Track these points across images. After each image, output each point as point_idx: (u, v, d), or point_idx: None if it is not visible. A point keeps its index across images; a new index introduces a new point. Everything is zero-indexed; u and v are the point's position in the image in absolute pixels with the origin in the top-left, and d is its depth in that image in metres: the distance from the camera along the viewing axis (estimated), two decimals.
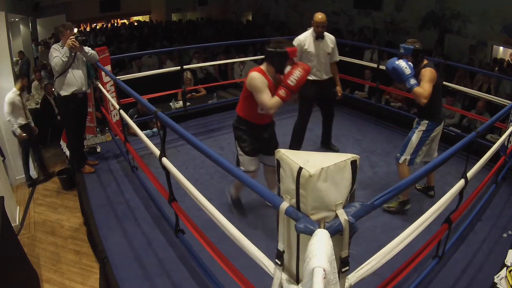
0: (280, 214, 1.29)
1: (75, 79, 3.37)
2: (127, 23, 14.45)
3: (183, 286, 2.32)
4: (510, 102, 3.42)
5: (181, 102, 5.03)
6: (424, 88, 2.62)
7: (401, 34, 8.33)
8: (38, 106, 5.75)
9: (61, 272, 3.04)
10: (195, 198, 1.90)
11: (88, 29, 13.05)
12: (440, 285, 2.31)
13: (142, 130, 3.00)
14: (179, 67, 4.69)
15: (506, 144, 3.27)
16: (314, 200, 1.20)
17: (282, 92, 2.43)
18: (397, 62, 2.69)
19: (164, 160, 2.24)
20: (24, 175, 4.72)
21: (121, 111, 3.28)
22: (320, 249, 1.01)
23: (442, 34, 7.71)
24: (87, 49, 3.43)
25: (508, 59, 6.92)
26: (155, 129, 4.48)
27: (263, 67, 2.54)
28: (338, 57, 3.83)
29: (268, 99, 2.45)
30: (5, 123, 4.43)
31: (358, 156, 1.29)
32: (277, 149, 1.37)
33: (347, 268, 1.28)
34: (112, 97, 3.96)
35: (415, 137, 2.86)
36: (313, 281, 0.94)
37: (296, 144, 3.82)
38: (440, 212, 1.87)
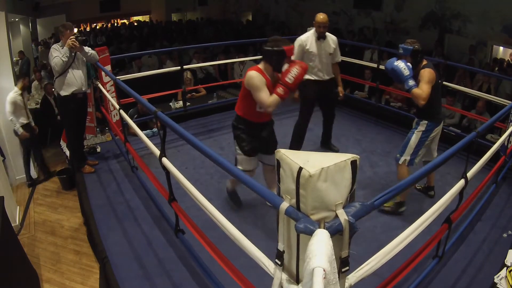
0: (280, 214, 1.29)
1: (75, 79, 3.37)
2: (127, 23, 14.45)
3: (183, 286, 2.32)
4: (510, 102, 3.42)
5: (181, 102, 5.03)
6: (422, 90, 2.61)
7: (401, 34, 8.33)
8: (38, 106, 5.75)
9: (61, 272, 3.04)
10: (195, 198, 1.90)
11: (88, 29, 13.05)
12: (440, 285, 2.31)
13: (142, 130, 3.00)
14: (179, 67, 4.69)
15: (506, 144, 3.27)
16: (314, 200, 1.20)
17: (280, 90, 2.45)
18: (395, 63, 2.68)
19: (164, 160, 2.24)
20: (24, 175, 4.73)
21: (121, 111, 3.28)
22: (320, 249, 1.01)
23: (442, 34, 7.71)
24: (87, 49, 3.43)
25: (508, 59, 6.92)
26: (155, 129, 4.48)
27: (260, 66, 2.56)
28: (340, 58, 3.83)
29: (267, 97, 2.47)
30: (5, 123, 4.44)
31: (358, 156, 1.29)
32: (277, 149, 1.37)
33: (347, 268, 1.28)
34: (112, 97, 3.96)
35: (415, 138, 2.85)
36: (313, 281, 0.94)
37: (296, 144, 3.82)
38: (440, 212, 1.87)
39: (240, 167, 2.67)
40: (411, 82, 2.65)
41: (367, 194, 3.23)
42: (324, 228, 1.12)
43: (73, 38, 3.20)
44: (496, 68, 6.35)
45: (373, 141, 4.41)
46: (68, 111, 3.49)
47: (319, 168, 1.18)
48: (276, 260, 1.36)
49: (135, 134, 3.03)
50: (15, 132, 4.43)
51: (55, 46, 3.30)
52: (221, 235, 1.72)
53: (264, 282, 1.53)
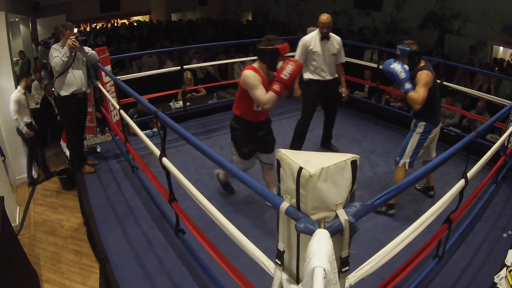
0: (280, 214, 1.29)
1: (75, 79, 3.37)
2: (127, 23, 14.44)
3: (183, 286, 2.32)
4: (510, 102, 3.42)
5: (181, 102, 5.03)
6: (418, 93, 2.60)
7: (401, 34, 8.34)
8: (38, 106, 5.75)
9: (61, 272, 3.05)
10: (195, 198, 1.90)
11: (88, 29, 13.05)
12: (440, 285, 2.31)
13: (142, 130, 3.00)
14: (179, 67, 4.69)
15: (506, 144, 3.27)
16: (314, 200, 1.20)
17: (276, 86, 2.48)
18: (392, 66, 2.67)
19: (164, 160, 2.24)
20: (25, 175, 4.73)
21: (121, 111, 3.28)
22: (320, 249, 1.01)
23: (442, 34, 7.72)
24: (87, 49, 3.43)
25: (508, 59, 6.93)
26: (155, 129, 4.48)
27: (255, 65, 2.60)
28: (344, 59, 3.84)
29: (263, 95, 2.50)
30: (6, 122, 4.44)
31: (358, 156, 1.29)
32: (277, 149, 1.37)
33: (347, 268, 1.28)
34: (112, 97, 3.96)
35: (413, 140, 2.84)
36: (313, 281, 0.94)
37: (297, 143, 3.84)
38: (440, 212, 1.87)
39: None
40: (407, 86, 2.64)
41: (367, 194, 3.23)
42: (324, 228, 1.12)
43: (73, 38, 3.20)
44: (496, 68, 6.36)
45: (373, 141, 4.41)
46: (68, 111, 3.49)
47: (319, 168, 1.18)
48: (276, 260, 1.36)
49: (135, 134, 3.03)
50: (19, 131, 4.44)
51: (55, 46, 3.30)
52: (221, 235, 1.72)
53: (264, 282, 1.53)
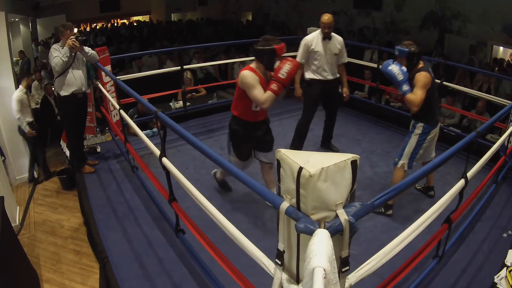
0: (280, 214, 1.29)
1: (75, 79, 3.37)
2: (127, 23, 14.44)
3: (183, 286, 2.32)
4: (510, 102, 3.43)
5: (181, 102, 5.03)
6: (416, 95, 2.60)
7: (401, 34, 8.34)
8: (38, 106, 5.75)
9: (61, 272, 3.04)
10: (195, 198, 1.90)
11: (88, 29, 13.05)
12: (440, 285, 2.31)
13: (142, 130, 3.00)
14: (179, 67, 4.69)
15: (506, 144, 3.27)
16: (314, 200, 1.20)
17: (274, 86, 2.49)
18: (389, 68, 2.66)
19: (164, 160, 2.24)
20: (25, 175, 4.73)
21: (121, 111, 3.28)
22: (320, 249, 1.01)
23: (442, 34, 7.72)
24: (87, 49, 3.43)
25: (508, 59, 6.93)
26: (155, 129, 4.48)
27: (253, 65, 2.61)
28: (346, 59, 3.84)
29: (261, 94, 2.51)
30: (6, 122, 4.44)
31: (358, 156, 1.29)
32: (278, 149, 1.37)
33: (347, 268, 1.28)
34: (112, 97, 3.96)
35: (412, 141, 2.84)
36: (313, 281, 0.94)
37: (298, 142, 3.84)
38: (440, 212, 1.87)
39: None
40: (405, 87, 2.63)
41: (367, 194, 3.23)
42: (324, 228, 1.12)
43: (73, 38, 3.20)
44: (496, 68, 6.36)
45: (373, 141, 4.41)
46: (68, 111, 3.49)
47: (319, 168, 1.18)
48: (276, 260, 1.36)
49: (135, 134, 3.03)
50: (21, 131, 4.45)
51: (55, 46, 3.30)
52: (221, 235, 1.72)
53: (264, 282, 1.53)
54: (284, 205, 1.27)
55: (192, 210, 2.49)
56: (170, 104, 5.21)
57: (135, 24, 14.02)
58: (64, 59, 3.20)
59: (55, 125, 5.04)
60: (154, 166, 3.14)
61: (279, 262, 1.35)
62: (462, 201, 2.16)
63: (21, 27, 10.23)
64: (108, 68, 4.18)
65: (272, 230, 2.59)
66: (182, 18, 14.67)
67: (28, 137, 4.56)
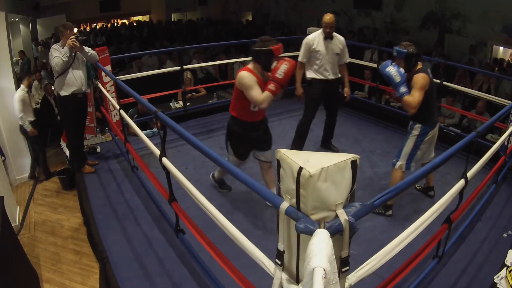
0: (280, 214, 1.29)
1: (75, 79, 3.37)
2: (127, 23, 14.44)
3: (183, 286, 2.32)
4: (510, 102, 3.43)
5: (181, 102, 5.03)
6: (413, 97, 2.59)
7: (401, 34, 8.34)
8: (38, 106, 5.75)
9: (61, 272, 3.05)
10: (195, 198, 1.90)
11: (88, 29, 13.05)
12: (440, 285, 2.31)
13: (142, 130, 3.01)
14: (179, 67, 4.69)
15: (506, 144, 3.27)
16: (314, 200, 1.20)
17: (271, 86, 2.51)
18: (387, 69, 2.65)
19: (164, 160, 2.24)
20: (25, 175, 4.73)
21: (121, 111, 3.28)
22: (320, 249, 1.01)
23: (442, 34, 7.72)
24: (87, 49, 3.43)
25: (508, 59, 6.93)
26: (155, 129, 4.48)
27: (250, 66, 2.64)
28: (348, 59, 3.84)
29: (259, 95, 2.53)
30: (6, 122, 4.44)
31: (358, 156, 1.29)
32: (277, 149, 1.37)
33: (347, 268, 1.28)
34: (112, 97, 3.96)
35: (410, 142, 2.84)
36: (313, 281, 0.94)
37: (299, 142, 3.85)
38: (440, 212, 1.87)
39: None
40: (402, 89, 2.62)
41: (367, 194, 3.23)
42: (324, 228, 1.12)
43: (73, 38, 3.20)
44: (496, 68, 6.36)
45: (373, 141, 4.41)
46: (68, 111, 3.49)
47: (319, 168, 1.18)
48: (276, 260, 1.36)
49: (135, 134, 3.03)
50: (23, 130, 4.45)
51: (55, 46, 3.30)
52: (221, 235, 1.72)
53: (264, 282, 1.53)
54: (284, 205, 1.27)
55: (192, 210, 2.49)
56: (170, 104, 5.21)
57: (135, 24, 14.02)
58: (64, 59, 3.20)
59: (55, 125, 5.05)
60: (154, 166, 3.14)
61: (279, 262, 1.35)
62: (462, 201, 2.16)
63: (21, 27, 10.24)
64: (108, 68, 4.18)
65: (272, 230, 2.60)
66: (182, 18, 14.67)
67: (30, 137, 4.56)
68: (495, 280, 2.29)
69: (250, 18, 13.78)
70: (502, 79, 5.45)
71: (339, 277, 1.22)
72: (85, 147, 4.05)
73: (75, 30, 4.36)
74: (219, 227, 1.69)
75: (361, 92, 6.03)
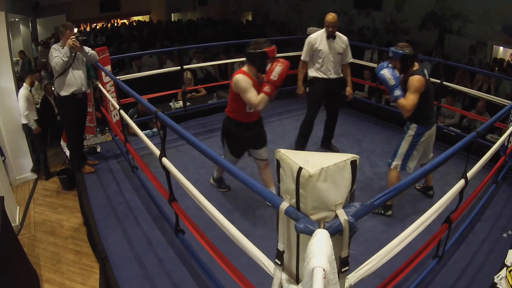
0: (280, 214, 1.29)
1: (75, 79, 3.37)
2: (127, 23, 14.44)
3: (183, 286, 2.32)
4: (510, 102, 3.43)
5: (181, 102, 5.03)
6: (408, 100, 2.58)
7: (401, 34, 8.34)
8: (38, 106, 5.75)
9: (61, 272, 3.04)
10: (195, 198, 1.90)
11: (88, 29, 13.05)
12: (440, 285, 2.31)
13: (142, 130, 3.01)
14: (179, 67, 4.69)
15: (506, 144, 3.27)
16: (314, 200, 1.20)
17: (266, 88, 2.57)
18: (381, 72, 2.65)
19: (164, 160, 2.24)
20: (25, 175, 4.73)
21: (121, 111, 3.28)
22: (320, 249, 1.01)
23: (442, 34, 7.72)
24: (87, 49, 3.43)
25: (508, 59, 6.93)
26: (155, 129, 4.48)
27: (245, 68, 2.68)
28: (351, 59, 3.85)
29: (255, 97, 2.58)
30: (6, 122, 4.44)
31: (358, 156, 1.29)
32: (277, 149, 1.37)
33: (347, 268, 1.28)
34: (112, 97, 3.96)
35: (405, 142, 2.84)
36: (313, 281, 0.94)
37: (302, 140, 3.87)
38: (440, 212, 1.87)
39: None
40: (397, 92, 2.62)
41: (367, 194, 3.23)
42: (324, 228, 1.12)
43: (73, 38, 3.20)
44: (496, 68, 6.36)
45: (373, 141, 4.41)
46: (68, 111, 3.49)
47: (319, 168, 1.18)
48: (276, 260, 1.36)
49: (135, 134, 3.03)
50: (27, 129, 4.46)
51: (55, 46, 3.30)
52: (221, 235, 1.72)
53: (264, 282, 1.53)
54: (284, 205, 1.27)
55: (192, 210, 2.49)
56: (170, 104, 5.21)
57: (135, 24, 14.02)
58: (64, 59, 3.20)
59: (55, 125, 5.05)
60: (154, 166, 3.14)
61: (279, 262, 1.35)
62: (462, 201, 2.16)
63: (21, 27, 10.24)
64: (108, 68, 4.18)
65: (272, 230, 2.59)
66: (182, 18, 14.68)
67: (33, 135, 4.58)
68: (495, 280, 2.29)
69: (250, 18, 13.78)
70: (502, 79, 5.45)
71: (339, 277, 1.22)
72: (85, 147, 4.05)
73: (75, 30, 4.36)
74: (219, 227, 1.69)
75: (361, 92, 6.03)
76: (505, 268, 2.35)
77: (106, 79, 4.07)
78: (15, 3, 7.62)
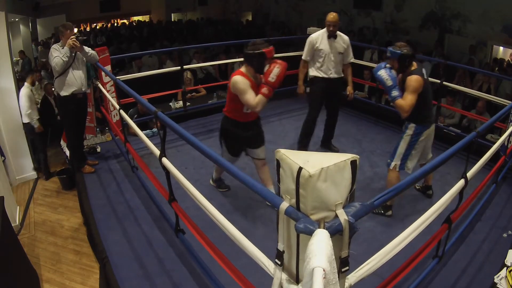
0: (280, 214, 1.29)
1: (75, 79, 3.37)
2: (127, 23, 14.45)
3: (183, 286, 2.32)
4: (510, 102, 3.43)
5: (181, 102, 5.03)
6: (405, 101, 2.58)
7: (401, 34, 8.34)
8: (38, 106, 5.74)
9: (61, 272, 3.05)
10: (195, 198, 1.90)
11: (88, 29, 13.05)
12: (440, 285, 2.31)
13: (142, 130, 3.01)
14: (179, 67, 4.69)
15: (506, 144, 3.27)
16: (314, 200, 1.20)
17: (264, 90, 2.58)
18: (379, 73, 2.65)
19: (164, 160, 2.24)
20: (25, 175, 4.73)
21: (121, 111, 3.28)
22: (320, 249, 1.01)
23: (442, 34, 7.72)
24: (87, 49, 3.43)
25: (508, 59, 6.93)
26: (155, 129, 4.48)
27: (243, 69, 2.70)
28: (352, 59, 3.85)
29: (252, 99, 2.60)
30: (6, 122, 4.44)
31: (358, 156, 1.29)
32: (277, 149, 1.37)
33: (347, 268, 1.28)
34: (112, 97, 3.96)
35: (403, 142, 2.83)
36: (313, 281, 0.94)
37: (305, 140, 3.88)
38: (440, 212, 1.87)
39: None
40: (394, 93, 2.62)
41: (367, 194, 3.23)
42: (324, 228, 1.12)
43: (73, 38, 3.20)
44: (496, 68, 6.36)
45: (373, 141, 4.41)
46: (68, 111, 3.49)
47: (319, 168, 1.18)
48: (276, 260, 1.36)
49: (135, 134, 3.03)
50: (29, 128, 4.46)
51: (55, 46, 3.29)
52: (221, 235, 1.72)
53: (264, 282, 1.53)
54: (284, 205, 1.27)
55: (192, 210, 2.49)
56: (170, 104, 5.21)
57: (135, 24, 14.02)
58: (64, 59, 3.20)
59: (55, 125, 5.05)
60: (154, 166, 3.14)
61: (279, 262, 1.35)
62: (462, 201, 2.15)
63: (21, 27, 10.24)
64: (108, 68, 4.18)
65: (272, 230, 2.59)
66: (182, 18, 14.68)
67: (33, 136, 4.58)
68: (495, 280, 2.29)
69: (250, 18, 13.79)
70: (502, 79, 5.45)
71: (339, 277, 1.22)
72: (85, 147, 4.05)
73: (75, 30, 4.36)
74: (219, 227, 1.69)
75: (361, 92, 6.03)
76: (505, 268, 2.35)
77: (106, 79, 4.07)
78: (15, 3, 7.62)
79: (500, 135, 3.84)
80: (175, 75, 4.91)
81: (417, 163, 2.92)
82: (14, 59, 6.41)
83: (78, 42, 3.21)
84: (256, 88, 2.64)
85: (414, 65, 2.65)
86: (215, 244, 1.94)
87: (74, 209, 3.87)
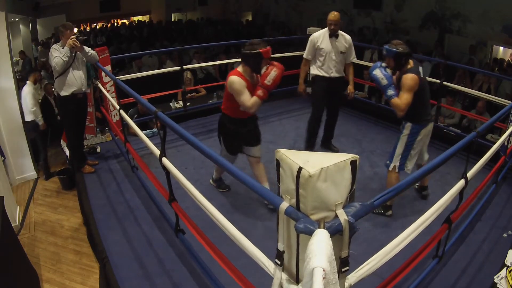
0: (280, 214, 1.29)
1: (75, 79, 3.37)
2: (127, 23, 14.45)
3: (183, 286, 2.32)
4: (510, 102, 3.43)
5: (181, 102, 5.03)
6: (401, 99, 2.57)
7: (401, 34, 8.34)
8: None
9: (61, 272, 3.04)
10: (195, 198, 1.90)
11: (88, 29, 13.05)
12: (440, 285, 2.31)
13: (142, 130, 3.01)
14: (179, 67, 4.69)
15: (506, 144, 3.27)
16: (314, 200, 1.20)
17: (260, 92, 2.62)
18: (374, 72, 2.64)
19: (164, 160, 2.24)
20: (25, 175, 4.73)
21: (121, 111, 3.28)
22: (320, 249, 1.01)
23: (442, 34, 7.72)
24: (87, 49, 3.43)
25: (508, 59, 6.93)
26: (155, 129, 4.48)
27: (239, 69, 2.72)
28: (354, 58, 3.86)
29: (248, 100, 2.63)
30: (6, 122, 4.44)
31: (358, 156, 1.29)
32: (277, 149, 1.37)
33: (347, 268, 1.28)
34: (112, 97, 3.96)
35: (401, 142, 2.82)
36: (313, 281, 0.94)
37: (311, 138, 3.91)
38: (440, 212, 1.87)
39: None
40: (390, 92, 2.61)
41: (367, 194, 3.23)
42: (324, 228, 1.12)
43: (74, 38, 3.20)
44: (496, 68, 6.36)
45: (373, 141, 4.41)
46: (68, 111, 3.49)
47: (319, 168, 1.18)
48: (276, 260, 1.36)
49: (135, 134, 3.03)
50: (34, 126, 4.46)
51: (55, 46, 3.29)
52: (221, 235, 1.72)
53: (264, 282, 1.53)
54: (284, 205, 1.27)
55: (192, 210, 2.49)
56: (170, 104, 5.21)
57: (135, 24, 14.02)
58: (64, 59, 3.20)
59: (55, 125, 5.06)
60: (154, 166, 3.14)
61: (279, 262, 1.35)
62: (462, 201, 2.15)
63: (21, 27, 10.24)
64: (108, 68, 4.18)
65: (272, 230, 2.59)
66: (182, 18, 14.68)
67: (38, 132, 4.58)
68: (495, 280, 2.29)
69: (250, 18, 13.79)
70: (502, 79, 5.45)
71: (339, 277, 1.22)
72: (85, 147, 4.05)
73: (75, 30, 4.37)
74: (219, 227, 1.69)
75: (361, 92, 6.04)
76: (505, 268, 2.35)
77: (106, 79, 4.07)
78: (15, 3, 7.62)
79: (500, 135, 3.84)
80: (175, 75, 4.91)
81: (414, 163, 2.92)
82: (14, 59, 6.40)
83: (78, 42, 3.21)
84: (252, 88, 2.67)
85: (411, 63, 2.64)
86: (215, 244, 1.94)
87: (74, 209, 3.87)
